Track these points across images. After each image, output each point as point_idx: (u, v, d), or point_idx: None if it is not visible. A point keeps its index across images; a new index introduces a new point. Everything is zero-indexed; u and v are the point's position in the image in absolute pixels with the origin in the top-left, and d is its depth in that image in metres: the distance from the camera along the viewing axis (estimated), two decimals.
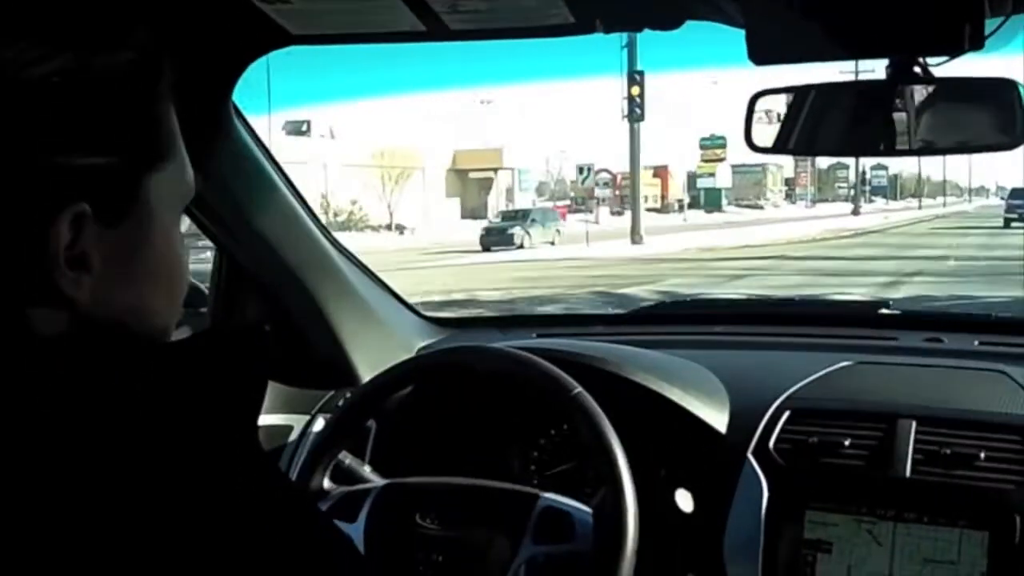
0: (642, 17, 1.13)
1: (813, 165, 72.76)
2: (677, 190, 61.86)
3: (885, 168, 76.42)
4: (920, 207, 62.69)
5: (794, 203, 69.74)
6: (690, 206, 56.30)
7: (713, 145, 57.25)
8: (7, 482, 0.53)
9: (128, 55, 0.59)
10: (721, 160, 56.60)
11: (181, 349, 0.63)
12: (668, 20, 1.13)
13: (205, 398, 0.60)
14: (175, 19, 1.15)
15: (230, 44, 1.31)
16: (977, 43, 0.98)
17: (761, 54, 1.06)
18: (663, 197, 60.61)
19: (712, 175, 58.17)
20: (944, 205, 71.10)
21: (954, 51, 1.01)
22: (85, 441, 0.55)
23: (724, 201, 58.06)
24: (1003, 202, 35.30)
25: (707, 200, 58.79)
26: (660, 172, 61.73)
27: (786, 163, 71.75)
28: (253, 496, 0.59)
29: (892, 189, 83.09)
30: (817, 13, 1.02)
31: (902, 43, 1.04)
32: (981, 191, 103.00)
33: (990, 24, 1.01)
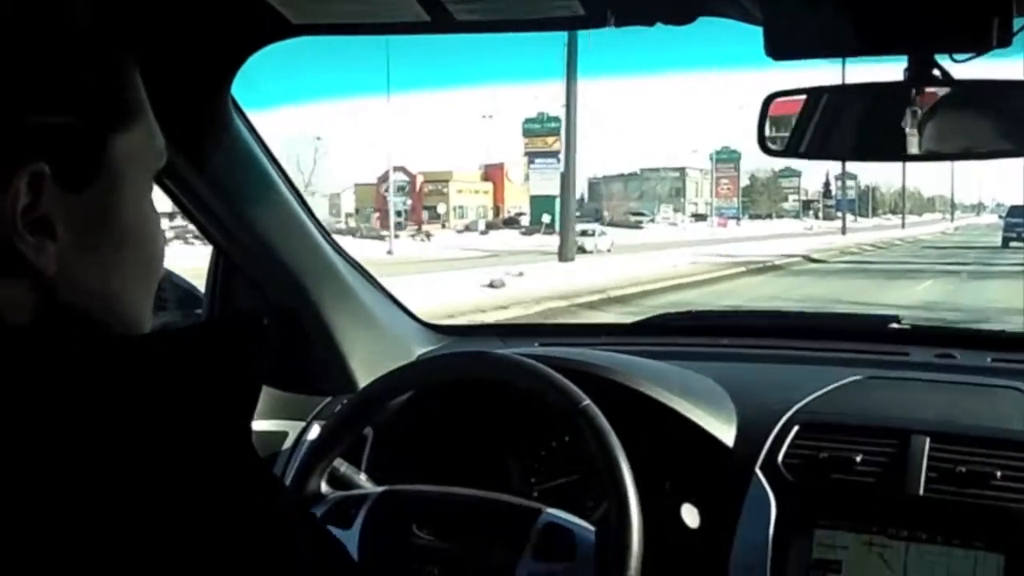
0: (655, 11, 1.10)
1: (737, 170, 55.60)
2: (520, 196, 42.87)
3: (854, 178, 59.72)
4: (844, 232, 40.65)
5: (704, 219, 50.09)
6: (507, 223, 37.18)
7: (544, 131, 36.16)
8: None
9: (86, 12, 0.57)
10: (553, 153, 34.16)
11: (168, 341, 0.60)
12: (682, 14, 1.10)
13: (192, 394, 0.57)
14: (171, 8, 1.12)
15: (227, 34, 1.28)
16: (1005, 40, 0.94)
17: (778, 49, 1.02)
18: (496, 208, 42.51)
19: (527, 177, 38.00)
20: (903, 226, 53.29)
21: (981, 48, 0.97)
22: (59, 445, 0.52)
23: (550, 217, 35.39)
24: (1000, 220, 34.21)
25: (532, 214, 39.55)
26: (492, 173, 43.51)
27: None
28: (244, 499, 0.56)
29: (864, 204, 68.54)
30: (839, 8, 0.98)
31: (927, 39, 1.01)
32: (976, 207, 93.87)
33: (1018, 22, 0.97)
